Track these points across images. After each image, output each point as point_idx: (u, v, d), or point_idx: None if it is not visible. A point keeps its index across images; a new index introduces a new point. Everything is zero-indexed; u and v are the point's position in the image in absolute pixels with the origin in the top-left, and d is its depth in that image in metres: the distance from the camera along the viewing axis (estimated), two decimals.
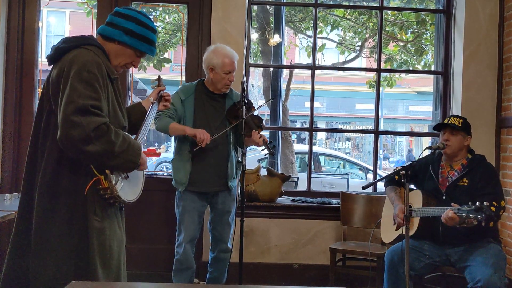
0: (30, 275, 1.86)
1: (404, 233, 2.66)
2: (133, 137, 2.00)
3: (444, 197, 2.97)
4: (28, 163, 1.94)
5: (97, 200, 1.88)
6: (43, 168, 1.87)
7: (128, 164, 1.88)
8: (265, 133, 5.41)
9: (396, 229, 3.11)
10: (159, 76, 2.53)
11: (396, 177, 3.21)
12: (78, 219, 1.85)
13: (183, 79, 4.08)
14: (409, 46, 8.18)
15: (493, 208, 2.65)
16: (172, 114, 3.12)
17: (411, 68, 8.46)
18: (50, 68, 1.97)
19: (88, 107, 1.75)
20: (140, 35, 2.01)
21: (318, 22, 6.26)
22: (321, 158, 10.17)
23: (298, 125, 15.60)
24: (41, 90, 1.96)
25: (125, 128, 2.01)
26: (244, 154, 2.97)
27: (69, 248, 1.85)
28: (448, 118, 3.09)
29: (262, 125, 3.17)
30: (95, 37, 2.03)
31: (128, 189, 1.98)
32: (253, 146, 3.20)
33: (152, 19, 2.09)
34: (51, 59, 1.93)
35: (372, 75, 9.29)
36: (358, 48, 8.71)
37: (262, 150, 3.06)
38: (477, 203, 2.59)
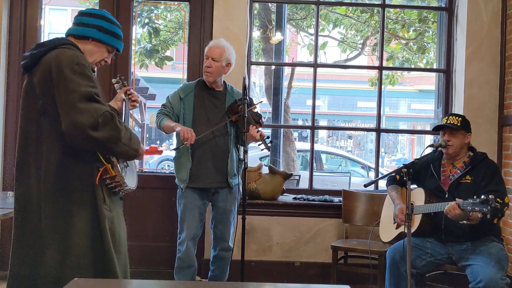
0: (41, 273, 1.86)
1: (405, 231, 2.66)
2: None
3: (447, 195, 2.97)
4: (19, 173, 1.93)
5: (105, 189, 1.92)
6: (43, 174, 1.88)
7: (132, 152, 1.92)
8: (267, 131, 5.42)
9: (396, 228, 3.11)
10: (119, 76, 2.42)
11: (397, 177, 3.21)
12: (90, 211, 1.89)
13: (185, 77, 4.08)
14: (411, 44, 8.17)
15: (497, 204, 2.65)
16: (169, 112, 3.17)
17: (413, 66, 8.44)
18: (26, 76, 1.95)
19: (93, 94, 1.79)
20: (112, 31, 2.08)
21: (320, 20, 6.25)
22: (323, 156, 10.16)
23: (300, 123, 15.58)
24: (21, 101, 1.95)
25: None
26: (245, 152, 2.97)
27: (86, 241, 1.88)
28: (447, 117, 3.06)
29: (261, 121, 3.18)
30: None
31: (129, 177, 2.04)
32: (253, 144, 3.20)
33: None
34: (27, 66, 1.92)
35: (374, 73, 9.27)
36: (360, 46, 8.70)
37: (259, 145, 3.06)
38: (483, 196, 2.58)
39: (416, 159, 2.88)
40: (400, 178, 3.21)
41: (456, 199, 2.74)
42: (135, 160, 2.18)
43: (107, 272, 1.87)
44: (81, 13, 2.09)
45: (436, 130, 3.14)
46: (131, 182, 2.03)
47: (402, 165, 2.76)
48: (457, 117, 3.02)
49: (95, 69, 2.05)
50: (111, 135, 1.79)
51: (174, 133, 3.25)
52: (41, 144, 1.89)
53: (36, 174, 1.89)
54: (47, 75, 1.84)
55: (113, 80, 2.43)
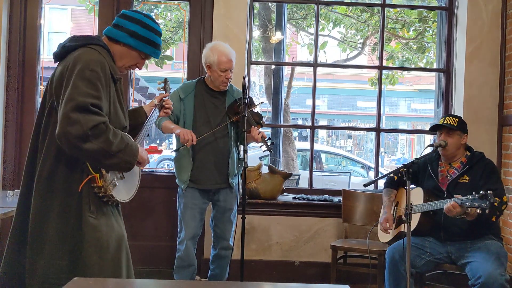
0: (26, 272, 1.88)
1: (404, 230, 2.66)
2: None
3: (445, 195, 2.98)
4: (28, 159, 1.96)
5: (92, 198, 1.89)
6: (40, 165, 1.88)
7: (124, 165, 1.88)
8: (267, 131, 5.42)
9: (395, 228, 3.11)
10: (165, 79, 2.54)
11: (395, 178, 3.23)
12: (73, 216, 1.87)
13: (185, 76, 4.08)
14: (411, 43, 8.17)
15: (495, 204, 2.65)
16: None
17: (413, 66, 8.45)
18: (55, 65, 1.99)
19: (88, 105, 1.77)
20: (145, 38, 2.03)
21: (320, 19, 6.25)
22: (323, 156, 10.16)
23: (300, 122, 15.58)
24: (44, 88, 1.97)
25: (126, 128, 2.02)
26: (245, 151, 2.97)
27: (63, 245, 1.87)
28: (444, 118, 3.07)
29: (262, 122, 3.17)
30: (101, 37, 2.05)
31: (123, 188, 2.00)
32: (254, 144, 3.21)
33: (157, 22, 2.11)
34: (57, 56, 1.96)
35: (374, 73, 9.28)
36: (360, 45, 8.69)
37: (261, 146, 3.06)
38: (481, 191, 2.59)
39: (415, 159, 2.89)
40: (398, 179, 3.22)
41: (455, 195, 2.75)
42: (140, 171, 2.15)
43: (83, 276, 1.83)
44: (121, 15, 2.06)
45: (432, 130, 3.15)
46: (122, 194, 1.99)
47: (401, 165, 2.76)
48: (454, 118, 3.03)
49: (117, 74, 2.00)
50: (100, 147, 1.77)
51: (174, 134, 3.24)
52: (44, 140, 1.90)
53: (36, 168, 1.91)
54: (64, 73, 1.85)
55: (159, 81, 2.50)
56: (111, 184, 1.90)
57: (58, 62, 1.96)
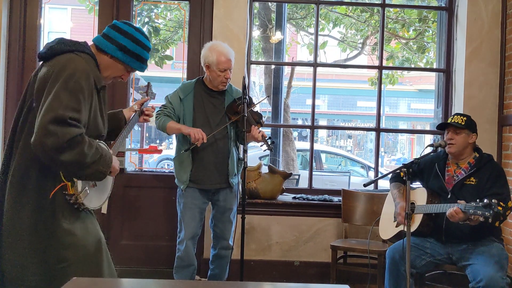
0: (3, 274, 1.88)
1: (405, 230, 2.66)
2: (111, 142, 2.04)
3: (449, 196, 2.97)
4: (5, 155, 1.94)
5: (66, 203, 1.89)
6: (14, 165, 1.88)
7: (98, 175, 1.89)
8: (267, 130, 5.43)
9: (397, 226, 3.11)
10: (148, 83, 2.52)
11: (402, 174, 3.21)
12: (45, 220, 1.86)
13: (185, 76, 4.08)
14: (411, 43, 8.17)
15: (500, 208, 2.64)
16: (170, 113, 3.15)
17: (413, 66, 8.45)
18: (40, 64, 1.98)
19: (67, 118, 1.75)
20: (134, 53, 2.03)
21: (320, 19, 6.25)
22: (323, 156, 10.16)
23: (300, 122, 15.57)
24: (25, 86, 1.96)
25: (102, 136, 2.02)
26: (245, 151, 2.97)
27: (34, 248, 1.86)
28: (452, 117, 3.08)
29: (262, 121, 3.17)
30: (90, 44, 2.04)
31: (94, 196, 2.00)
32: (253, 144, 3.21)
33: (147, 37, 2.11)
34: (43, 57, 1.95)
35: (374, 73, 9.27)
36: (360, 45, 8.69)
37: (261, 145, 3.06)
38: (486, 200, 2.59)
39: (415, 159, 2.88)
40: (404, 175, 3.20)
41: (458, 201, 2.75)
42: (113, 180, 2.14)
43: (58, 279, 1.83)
44: (112, 25, 2.05)
45: (440, 128, 3.15)
46: (93, 202, 1.99)
47: (402, 165, 2.76)
48: (462, 117, 3.05)
49: (101, 83, 1.98)
50: (74, 159, 1.77)
51: (174, 135, 3.24)
52: (20, 138, 1.89)
53: (11, 166, 1.90)
54: (48, 77, 1.84)
55: (142, 85, 2.47)
56: (83, 193, 1.90)
57: (42, 62, 1.95)
